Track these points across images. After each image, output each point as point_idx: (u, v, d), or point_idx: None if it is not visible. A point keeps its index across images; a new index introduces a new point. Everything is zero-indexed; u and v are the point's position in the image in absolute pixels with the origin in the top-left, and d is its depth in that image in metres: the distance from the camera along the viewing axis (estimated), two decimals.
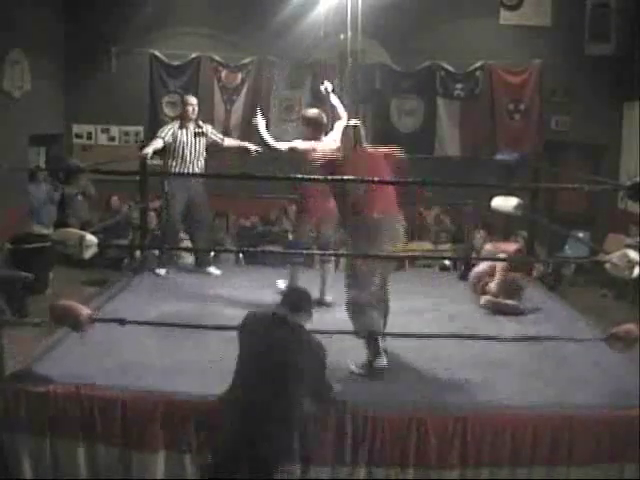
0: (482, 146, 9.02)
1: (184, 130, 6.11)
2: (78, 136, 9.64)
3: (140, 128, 9.49)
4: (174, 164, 6.08)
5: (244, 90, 9.15)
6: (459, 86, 9.09)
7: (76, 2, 9.23)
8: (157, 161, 6.50)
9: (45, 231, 8.09)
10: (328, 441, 3.34)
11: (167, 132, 6.10)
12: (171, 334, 4.21)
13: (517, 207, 5.88)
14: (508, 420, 3.38)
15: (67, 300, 3.67)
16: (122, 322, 3.67)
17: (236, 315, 4.75)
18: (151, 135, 8.95)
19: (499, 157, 8.20)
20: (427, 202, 9.18)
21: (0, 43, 7.76)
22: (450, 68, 9.04)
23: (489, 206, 6.22)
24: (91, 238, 3.65)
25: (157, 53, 9.08)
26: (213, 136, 6.33)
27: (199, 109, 6.32)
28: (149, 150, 5.98)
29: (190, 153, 6.09)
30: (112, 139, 9.65)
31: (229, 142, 6.56)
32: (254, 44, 9.01)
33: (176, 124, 6.19)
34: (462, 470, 3.36)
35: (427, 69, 9.08)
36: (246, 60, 9.09)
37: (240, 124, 9.14)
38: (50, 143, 9.35)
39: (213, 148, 6.35)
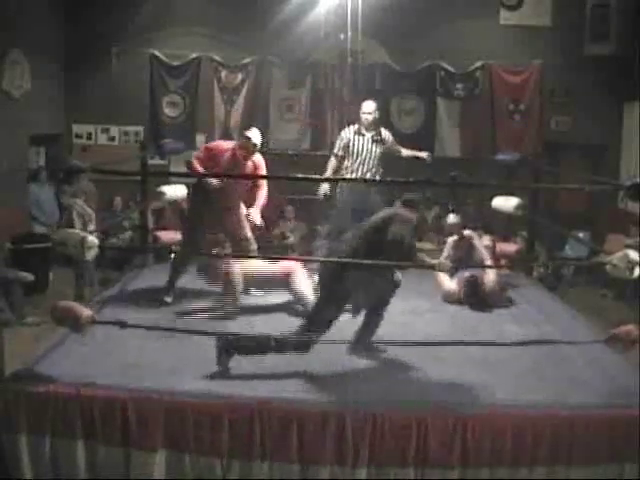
0: (482, 146, 9.02)
1: (361, 136, 6.06)
2: (78, 136, 9.65)
3: (140, 128, 9.49)
4: (346, 170, 6.04)
5: (244, 90, 9.14)
6: (459, 86, 9.08)
7: (76, 2, 9.23)
8: None
9: (46, 231, 8.08)
10: (328, 441, 3.34)
11: (340, 144, 6.09)
12: (171, 333, 4.21)
13: (517, 207, 5.89)
14: (508, 420, 3.39)
15: (68, 301, 3.68)
16: (122, 325, 3.68)
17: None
18: (151, 136, 9.08)
19: (499, 157, 8.20)
20: (427, 202, 9.18)
21: (0, 43, 7.76)
22: (450, 68, 9.03)
23: (489, 206, 6.23)
24: (92, 239, 3.66)
25: (157, 53, 9.07)
26: (393, 146, 6.23)
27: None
28: (325, 187, 6.12)
29: (365, 160, 6.01)
30: (112, 139, 9.65)
31: (406, 152, 6.43)
32: (254, 44, 9.01)
33: (352, 128, 6.14)
34: (462, 470, 3.36)
35: (427, 69, 9.06)
36: (246, 60, 9.08)
37: (240, 124, 9.13)
38: (50, 143, 9.35)
39: (390, 157, 6.26)
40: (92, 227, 7.94)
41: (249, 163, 5.20)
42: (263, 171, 5.35)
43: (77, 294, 6.98)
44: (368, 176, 5.98)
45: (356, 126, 6.13)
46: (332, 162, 6.14)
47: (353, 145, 6.04)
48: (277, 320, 4.80)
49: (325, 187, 6.17)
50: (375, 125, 6.12)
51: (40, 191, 8.56)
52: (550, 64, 8.91)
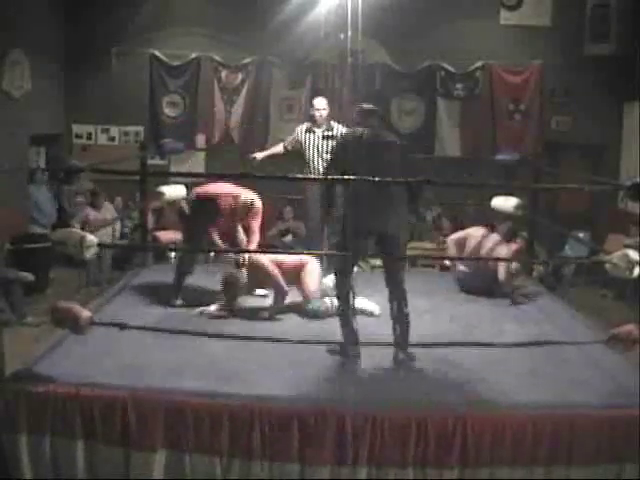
0: (482, 146, 9.02)
1: (311, 134, 6.10)
2: (78, 136, 9.64)
3: (140, 128, 9.49)
4: (305, 169, 6.10)
5: (244, 90, 9.15)
6: (459, 86, 9.09)
7: (76, 2, 9.23)
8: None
9: (44, 232, 8.08)
10: (328, 441, 3.34)
11: (291, 138, 6.22)
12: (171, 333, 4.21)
13: (517, 207, 5.89)
14: (508, 420, 3.38)
15: (68, 302, 3.67)
16: (122, 327, 3.68)
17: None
18: (151, 136, 9.08)
19: (499, 157, 8.20)
20: (427, 202, 9.19)
21: (0, 43, 7.76)
22: (450, 68, 9.04)
23: (489, 206, 6.22)
24: (91, 238, 3.65)
25: (157, 53, 9.08)
26: None
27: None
28: (259, 155, 6.26)
29: (318, 156, 6.03)
30: (112, 139, 9.65)
31: None
32: (254, 44, 9.01)
33: (304, 127, 6.20)
34: (462, 470, 3.36)
35: (427, 69, 9.07)
36: (246, 60, 9.09)
37: (240, 124, 9.14)
38: (50, 143, 9.35)
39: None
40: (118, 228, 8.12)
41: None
42: (258, 215, 5.31)
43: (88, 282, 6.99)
44: (321, 170, 5.99)
45: (308, 124, 6.21)
46: (277, 147, 6.40)
47: (304, 142, 6.11)
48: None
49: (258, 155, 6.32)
50: (326, 121, 6.16)
51: (38, 192, 8.55)
52: (550, 64, 8.92)
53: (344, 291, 4.12)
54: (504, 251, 5.64)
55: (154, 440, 3.38)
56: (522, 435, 3.35)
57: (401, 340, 4.03)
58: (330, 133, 6.08)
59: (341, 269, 4.19)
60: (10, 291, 6.41)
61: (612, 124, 9.23)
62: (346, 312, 4.09)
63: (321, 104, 6.15)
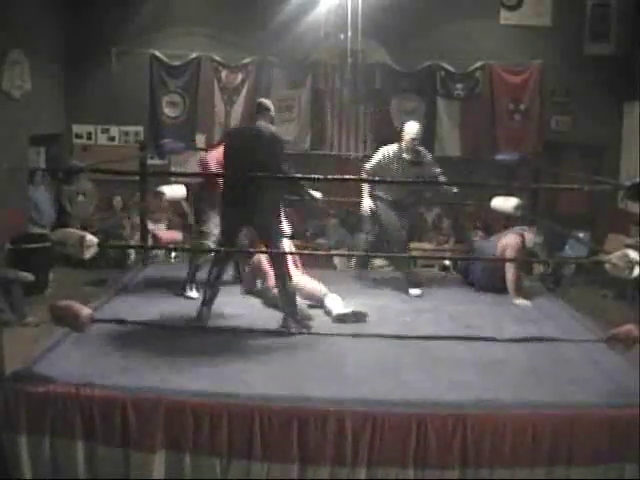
0: (482, 146, 9.01)
1: (399, 159, 5.79)
2: (78, 136, 9.65)
3: (140, 128, 9.49)
4: (388, 192, 5.81)
5: (244, 90, 9.13)
6: (459, 86, 9.06)
7: (76, 2, 9.24)
8: None
9: (43, 232, 8.08)
10: (328, 441, 3.34)
11: (375, 162, 5.86)
12: (171, 333, 4.22)
13: (517, 207, 5.89)
14: (508, 420, 3.38)
15: (67, 300, 3.67)
16: (122, 322, 3.68)
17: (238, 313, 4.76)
18: (151, 136, 9.07)
19: (499, 157, 8.20)
20: (427, 202, 9.20)
21: (0, 43, 7.77)
22: (450, 68, 9.02)
23: (489, 206, 6.23)
24: (91, 238, 3.65)
25: (157, 53, 9.06)
26: (431, 168, 5.90)
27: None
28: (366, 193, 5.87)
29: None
30: (112, 139, 9.66)
31: (442, 178, 5.88)
32: (254, 44, 9.00)
33: (391, 150, 5.84)
34: (462, 470, 3.36)
35: (427, 69, 9.05)
36: (246, 60, 9.07)
37: (240, 124, 9.13)
38: (50, 143, 9.35)
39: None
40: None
41: None
42: None
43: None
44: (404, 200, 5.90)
45: (395, 148, 5.86)
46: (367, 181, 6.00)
47: (392, 168, 5.78)
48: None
49: (368, 203, 5.90)
50: (414, 146, 5.85)
51: (37, 192, 8.56)
52: (550, 64, 8.90)
53: (215, 276, 4.57)
54: (513, 240, 5.63)
55: (154, 440, 3.38)
56: (522, 435, 3.35)
57: (286, 312, 4.55)
58: (419, 160, 5.83)
59: (219, 257, 4.65)
60: (10, 291, 6.41)
61: (612, 124, 9.23)
62: (212, 297, 4.56)
63: (414, 129, 5.81)
